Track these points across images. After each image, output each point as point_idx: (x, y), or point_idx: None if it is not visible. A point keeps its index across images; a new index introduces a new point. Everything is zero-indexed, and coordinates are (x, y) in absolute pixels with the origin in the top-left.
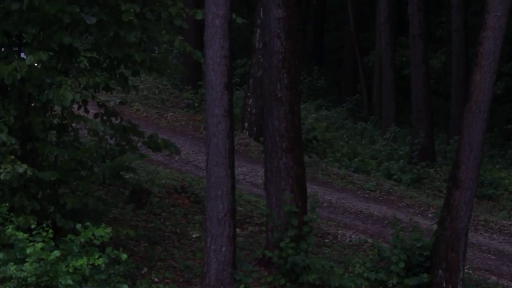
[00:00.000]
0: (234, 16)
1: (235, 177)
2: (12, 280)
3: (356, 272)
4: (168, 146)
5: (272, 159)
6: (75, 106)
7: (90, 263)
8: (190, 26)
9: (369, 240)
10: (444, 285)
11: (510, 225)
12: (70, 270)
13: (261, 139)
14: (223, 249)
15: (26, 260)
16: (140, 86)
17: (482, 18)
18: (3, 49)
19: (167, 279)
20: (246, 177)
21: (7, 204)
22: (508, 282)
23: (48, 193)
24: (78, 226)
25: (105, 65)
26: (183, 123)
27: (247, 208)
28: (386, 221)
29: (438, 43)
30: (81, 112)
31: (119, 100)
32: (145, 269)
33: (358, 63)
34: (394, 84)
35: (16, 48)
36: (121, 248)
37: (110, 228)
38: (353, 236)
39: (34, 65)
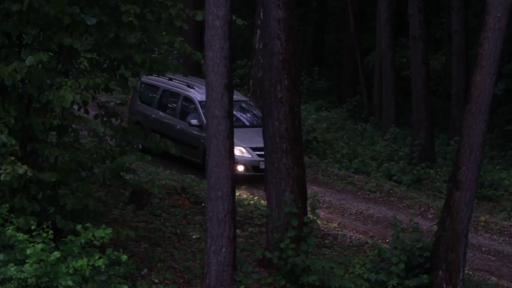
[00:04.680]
0: (234, 17)
1: (235, 178)
2: (12, 281)
3: (356, 273)
4: (168, 147)
5: (272, 160)
6: (75, 107)
7: (90, 264)
8: (190, 27)
9: (369, 241)
10: (444, 286)
11: (510, 226)
12: (70, 271)
13: None
14: (223, 250)
15: (26, 261)
16: None
17: (482, 19)
18: (3, 50)
19: (167, 280)
20: None
21: (7, 205)
22: (508, 283)
23: (48, 194)
24: (78, 227)
25: (105, 66)
26: None
27: (247, 209)
28: (386, 222)
29: (438, 44)
30: (81, 113)
31: (119, 101)
32: (145, 270)
33: (358, 64)
34: (394, 85)
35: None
36: (121, 249)
37: (110, 229)
38: (353, 237)
39: (34, 66)
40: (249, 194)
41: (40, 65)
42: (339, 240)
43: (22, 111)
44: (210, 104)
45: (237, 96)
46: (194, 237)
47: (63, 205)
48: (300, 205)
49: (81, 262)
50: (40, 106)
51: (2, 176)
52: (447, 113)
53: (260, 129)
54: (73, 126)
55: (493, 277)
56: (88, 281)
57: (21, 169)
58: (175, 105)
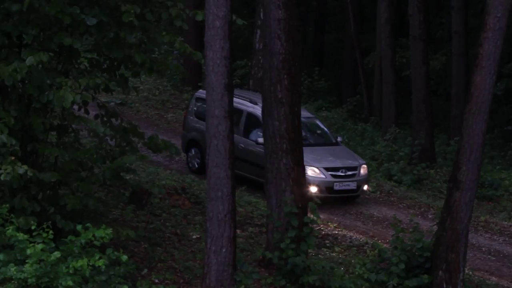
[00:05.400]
0: (234, 17)
1: (235, 178)
2: (13, 281)
3: (357, 273)
4: (169, 147)
5: (273, 160)
6: (75, 107)
7: (91, 264)
8: (190, 27)
9: (369, 241)
10: (445, 286)
11: (511, 226)
12: (71, 271)
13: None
14: (223, 250)
15: (27, 261)
16: (140, 87)
17: (482, 19)
18: (3, 50)
19: (168, 280)
20: None
21: (7, 205)
22: (509, 283)
23: (49, 194)
24: (79, 227)
25: (105, 66)
26: None
27: (247, 209)
28: (386, 222)
29: (438, 44)
30: (81, 113)
31: (119, 101)
32: (146, 270)
33: (358, 64)
34: (394, 85)
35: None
36: (121, 249)
37: (111, 229)
38: (353, 237)
39: (34, 66)
40: (249, 194)
41: (40, 65)
42: (339, 240)
43: (22, 111)
44: (210, 104)
45: (302, 112)
46: (194, 237)
47: (63, 205)
48: (300, 205)
49: (81, 262)
50: (40, 106)
51: (2, 176)
52: (447, 113)
53: (332, 147)
54: (73, 126)
55: (493, 277)
56: (88, 281)
57: (21, 169)
58: (237, 122)
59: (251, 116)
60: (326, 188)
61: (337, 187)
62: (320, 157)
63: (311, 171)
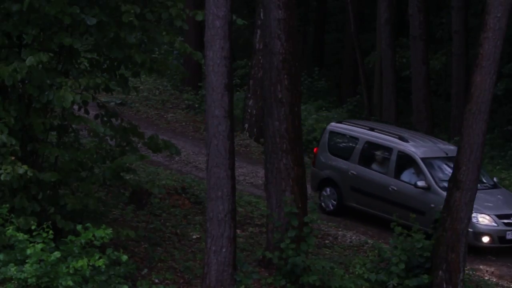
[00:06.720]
0: (234, 17)
1: (235, 178)
2: (13, 281)
3: (357, 273)
4: (169, 147)
5: (273, 160)
6: (76, 107)
7: (91, 264)
8: (190, 27)
9: (369, 241)
10: (445, 286)
11: None
12: (71, 271)
13: (262, 140)
14: (224, 250)
15: (27, 261)
16: (140, 87)
17: (482, 19)
18: (3, 50)
19: (168, 280)
20: (247, 178)
21: (7, 205)
22: (509, 283)
23: (49, 194)
24: (79, 227)
25: (105, 66)
26: (184, 124)
27: (248, 209)
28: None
29: (439, 44)
30: (81, 113)
31: (119, 101)
32: (146, 270)
33: (358, 64)
34: (394, 85)
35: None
36: (121, 249)
37: (111, 229)
38: (353, 237)
39: (34, 66)
40: (249, 194)
41: (40, 65)
42: (339, 240)
43: (22, 111)
44: (210, 104)
45: (452, 148)
46: (194, 237)
47: (63, 205)
48: (300, 205)
49: (81, 262)
50: (40, 106)
51: (2, 176)
52: (447, 113)
53: (494, 190)
54: (73, 126)
55: (493, 277)
56: (88, 281)
57: (21, 169)
58: (386, 161)
59: (402, 155)
60: (498, 238)
61: (509, 236)
62: (488, 202)
63: (482, 219)
